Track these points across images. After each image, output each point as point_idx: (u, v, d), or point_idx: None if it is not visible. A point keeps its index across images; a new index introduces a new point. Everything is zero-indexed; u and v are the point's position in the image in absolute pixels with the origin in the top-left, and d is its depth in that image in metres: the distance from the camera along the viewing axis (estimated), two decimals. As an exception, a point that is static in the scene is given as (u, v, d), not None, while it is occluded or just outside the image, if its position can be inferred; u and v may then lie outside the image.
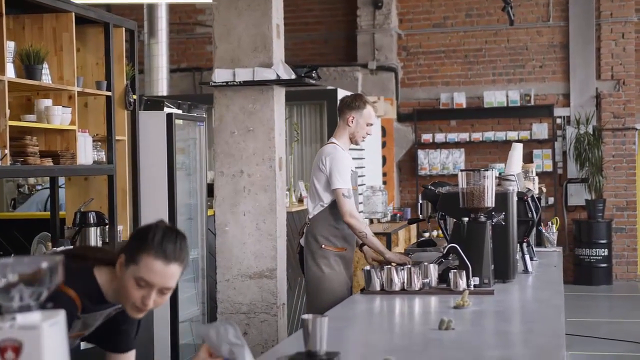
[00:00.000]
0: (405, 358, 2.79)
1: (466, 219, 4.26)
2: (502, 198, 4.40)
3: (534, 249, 5.45)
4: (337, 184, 4.96)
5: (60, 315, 1.77)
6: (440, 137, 12.46)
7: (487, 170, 4.29)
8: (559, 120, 12.31)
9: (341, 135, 5.14)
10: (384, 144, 12.02)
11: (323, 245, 5.05)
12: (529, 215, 4.87)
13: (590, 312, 10.15)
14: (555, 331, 3.12)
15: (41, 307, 1.77)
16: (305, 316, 2.70)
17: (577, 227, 12.00)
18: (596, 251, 11.81)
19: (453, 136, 12.43)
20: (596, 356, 7.85)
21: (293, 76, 5.33)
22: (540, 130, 12.21)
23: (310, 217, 5.15)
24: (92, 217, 5.30)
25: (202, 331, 2.41)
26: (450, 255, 4.28)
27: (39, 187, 7.97)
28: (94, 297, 2.60)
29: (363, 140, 5.24)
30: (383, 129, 11.98)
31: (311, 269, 5.08)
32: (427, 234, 10.14)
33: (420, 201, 5.07)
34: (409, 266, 4.19)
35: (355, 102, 5.15)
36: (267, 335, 5.39)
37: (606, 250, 11.83)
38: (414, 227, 10.55)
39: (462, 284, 4.05)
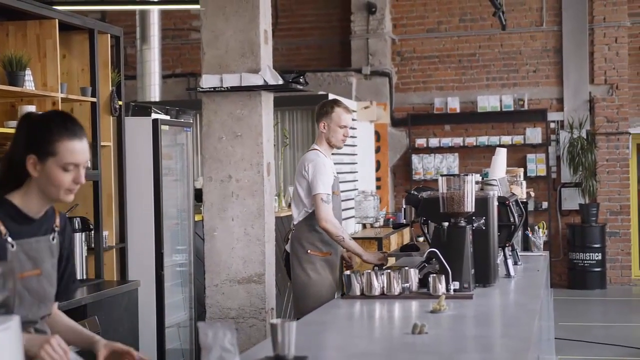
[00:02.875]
0: (374, 362, 2.80)
1: (446, 223, 4.27)
2: (482, 203, 4.41)
3: (519, 254, 5.46)
4: (318, 189, 5.05)
5: (14, 321, 1.79)
6: (434, 141, 12.47)
7: (467, 175, 4.30)
8: (552, 125, 12.32)
9: (321, 141, 5.26)
10: (378, 149, 12.04)
11: (309, 251, 5.12)
12: (511, 219, 4.87)
13: (583, 316, 10.15)
14: (526, 335, 3.13)
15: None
16: (273, 321, 2.72)
17: (570, 231, 12.01)
18: (590, 255, 11.81)
19: (447, 141, 12.44)
20: (588, 360, 7.86)
21: (280, 82, 5.34)
22: (534, 134, 12.22)
23: (295, 222, 5.23)
24: (77, 223, 5.31)
25: (201, 327, 2.41)
26: (433, 259, 4.28)
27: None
28: (16, 216, 2.63)
29: (344, 142, 5.29)
30: (377, 134, 12.01)
31: (298, 275, 5.14)
32: (421, 239, 10.14)
33: (404, 206, 5.09)
34: (389, 271, 4.20)
35: (323, 108, 5.27)
36: (255, 340, 5.39)
37: (600, 254, 11.83)
38: (407, 231, 10.56)
39: (442, 288, 4.06)
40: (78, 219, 5.35)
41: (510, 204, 4.91)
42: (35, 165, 2.60)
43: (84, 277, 5.41)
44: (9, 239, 2.59)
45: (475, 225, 4.36)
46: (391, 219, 10.28)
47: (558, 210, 12.31)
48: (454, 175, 4.32)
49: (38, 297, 2.67)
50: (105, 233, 5.67)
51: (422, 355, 2.93)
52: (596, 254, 11.81)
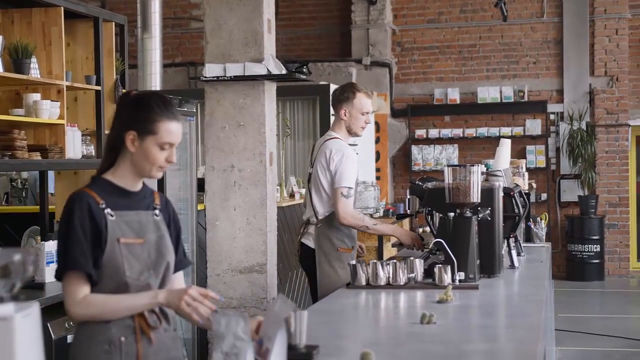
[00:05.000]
0: (385, 351, 2.81)
1: (452, 214, 4.27)
2: (488, 193, 4.41)
3: (522, 245, 5.47)
4: (340, 183, 4.84)
5: (34, 308, 1.79)
6: (434, 132, 12.48)
7: (473, 165, 4.30)
8: (552, 116, 12.33)
9: (339, 128, 5.06)
10: (377, 140, 12.04)
11: (339, 248, 4.96)
12: (516, 210, 4.88)
13: (581, 308, 10.18)
14: (534, 325, 3.14)
15: (14, 298, 1.78)
16: (285, 310, 2.72)
17: (569, 223, 12.03)
18: (588, 247, 11.84)
19: (447, 132, 12.45)
20: (587, 351, 7.88)
21: (284, 71, 5.32)
22: (534, 126, 12.23)
23: (320, 217, 4.99)
24: (80, 211, 5.29)
25: (214, 316, 2.43)
26: (438, 250, 4.29)
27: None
28: (112, 190, 2.76)
29: (363, 130, 5.12)
30: (377, 125, 12.01)
31: (326, 273, 4.96)
32: (421, 230, 10.14)
33: (408, 196, 5.08)
34: (395, 261, 4.20)
35: (344, 93, 5.03)
36: (257, 330, 5.40)
37: (598, 246, 11.86)
38: (406, 222, 10.57)
39: (447, 278, 4.06)
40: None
41: (515, 194, 4.91)
42: (134, 141, 2.73)
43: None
44: (108, 210, 2.70)
45: (480, 215, 4.36)
46: (391, 210, 10.29)
47: (557, 201, 12.33)
48: (460, 165, 4.32)
49: (145, 265, 2.75)
50: (108, 221, 5.66)
51: (432, 345, 2.95)
52: (595, 245, 11.83)
